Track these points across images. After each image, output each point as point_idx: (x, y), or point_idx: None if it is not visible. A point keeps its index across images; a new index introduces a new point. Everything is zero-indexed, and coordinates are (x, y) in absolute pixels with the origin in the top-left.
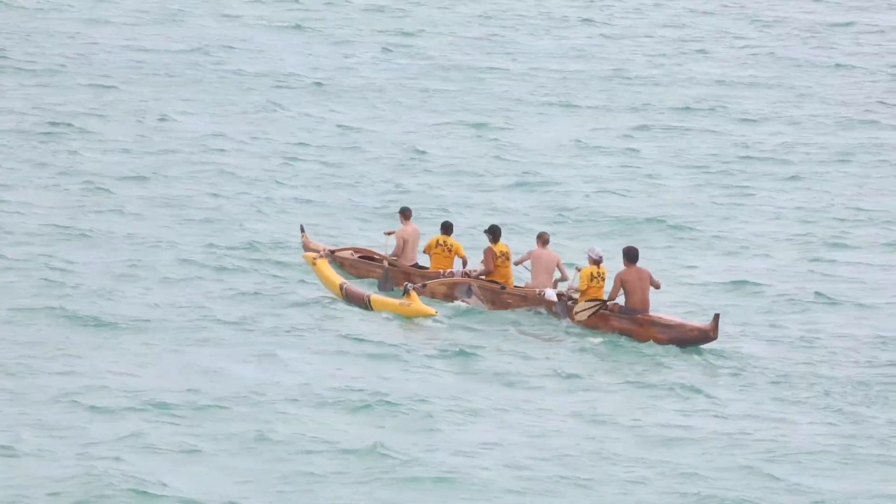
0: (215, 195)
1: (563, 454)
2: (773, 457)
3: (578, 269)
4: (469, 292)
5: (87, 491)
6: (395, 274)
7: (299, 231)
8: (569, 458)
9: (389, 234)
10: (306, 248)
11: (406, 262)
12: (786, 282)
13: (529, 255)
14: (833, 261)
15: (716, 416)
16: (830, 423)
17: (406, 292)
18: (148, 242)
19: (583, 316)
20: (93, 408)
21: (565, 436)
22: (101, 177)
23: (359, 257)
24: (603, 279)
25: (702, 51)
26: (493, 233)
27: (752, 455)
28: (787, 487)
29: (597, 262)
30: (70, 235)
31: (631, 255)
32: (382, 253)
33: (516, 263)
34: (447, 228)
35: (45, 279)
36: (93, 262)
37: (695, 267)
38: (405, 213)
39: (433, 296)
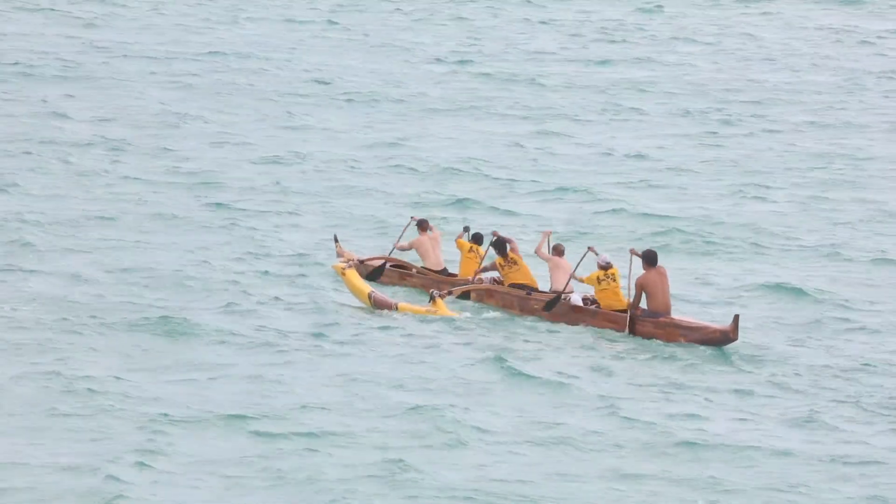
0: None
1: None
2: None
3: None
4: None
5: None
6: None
7: (333, 241)
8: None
9: (404, 248)
10: (340, 256)
11: (433, 268)
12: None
13: (549, 260)
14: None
15: (746, 420)
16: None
17: (432, 299)
18: (191, 249)
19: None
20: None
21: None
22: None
23: (390, 266)
24: (615, 279)
25: (768, 59)
26: (497, 246)
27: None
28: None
29: (604, 267)
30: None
31: (650, 259)
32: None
33: (536, 251)
34: (477, 239)
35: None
36: (143, 268)
37: (755, 271)
38: (422, 226)
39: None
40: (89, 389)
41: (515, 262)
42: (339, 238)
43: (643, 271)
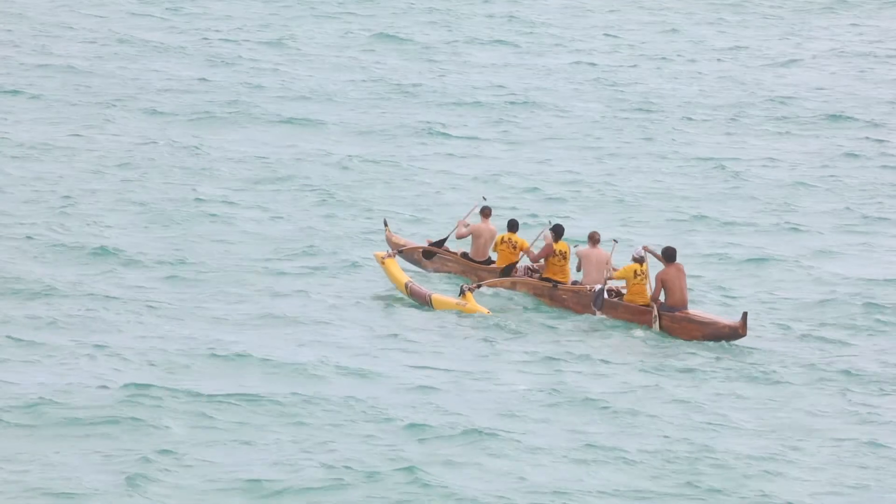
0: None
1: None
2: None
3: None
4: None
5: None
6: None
7: (383, 225)
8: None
9: (462, 234)
10: (389, 242)
11: (478, 258)
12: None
13: (579, 254)
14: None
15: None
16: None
17: (462, 293)
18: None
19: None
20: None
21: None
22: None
23: (430, 245)
24: (646, 276)
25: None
26: (556, 231)
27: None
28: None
29: (639, 260)
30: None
31: (669, 255)
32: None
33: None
34: (513, 226)
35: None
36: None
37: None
38: (484, 213)
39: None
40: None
41: (565, 258)
42: (388, 222)
43: (663, 267)
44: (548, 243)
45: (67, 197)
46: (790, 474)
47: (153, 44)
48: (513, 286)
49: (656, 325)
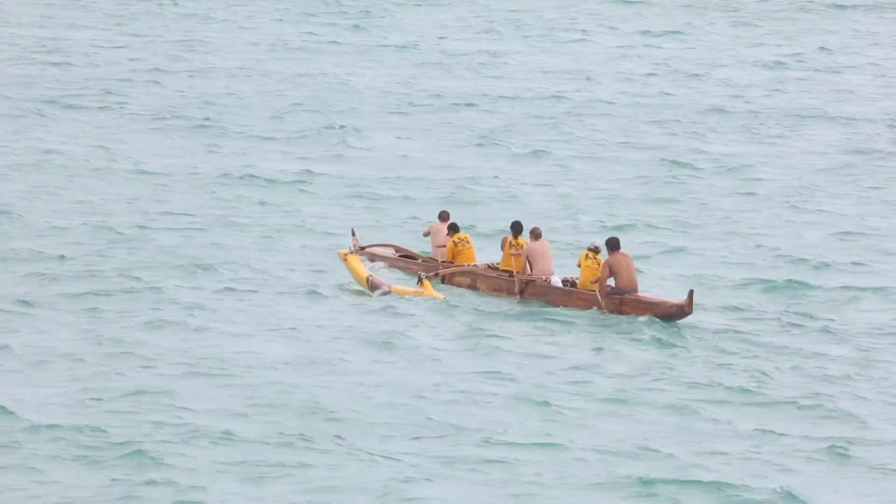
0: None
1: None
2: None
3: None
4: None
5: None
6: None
7: (350, 234)
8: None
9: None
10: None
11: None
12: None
13: (524, 251)
14: None
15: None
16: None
17: (419, 281)
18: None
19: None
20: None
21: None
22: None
23: (399, 256)
24: (598, 262)
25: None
26: (514, 228)
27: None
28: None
29: (594, 249)
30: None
31: (613, 244)
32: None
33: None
34: (454, 228)
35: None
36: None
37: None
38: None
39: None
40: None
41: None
42: (355, 232)
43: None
44: (503, 241)
45: None
46: (725, 449)
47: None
48: (470, 277)
49: (604, 308)
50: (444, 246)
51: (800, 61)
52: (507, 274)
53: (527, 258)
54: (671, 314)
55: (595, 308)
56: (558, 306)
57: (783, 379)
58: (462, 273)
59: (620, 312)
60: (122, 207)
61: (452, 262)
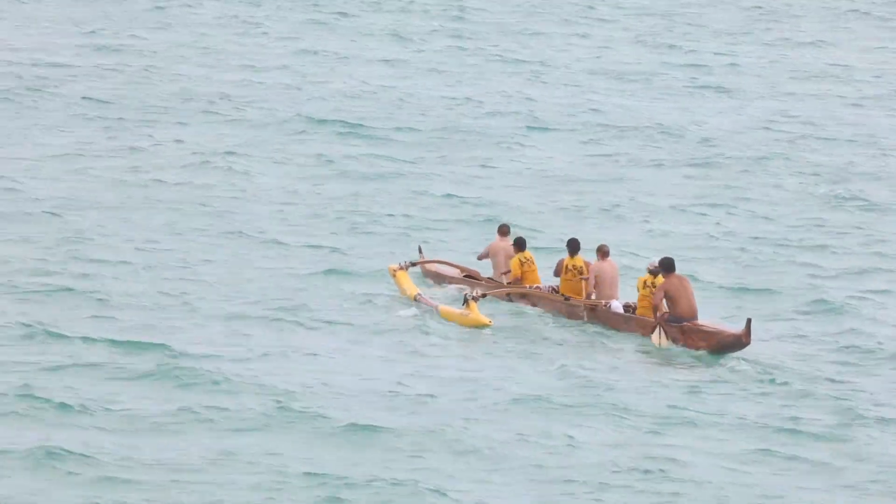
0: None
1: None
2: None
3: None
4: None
5: None
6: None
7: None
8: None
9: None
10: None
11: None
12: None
13: (589, 269)
14: None
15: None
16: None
17: (465, 302)
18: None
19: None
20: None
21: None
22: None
23: (463, 276)
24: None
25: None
26: (571, 246)
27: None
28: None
29: (654, 273)
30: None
31: (667, 265)
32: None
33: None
34: (521, 244)
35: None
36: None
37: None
38: (501, 231)
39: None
40: None
41: (579, 273)
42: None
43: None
44: (559, 263)
45: None
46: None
47: None
48: (521, 297)
49: (662, 338)
50: (508, 271)
51: None
52: (564, 298)
53: (595, 278)
54: (727, 345)
55: (651, 337)
56: (617, 329)
57: None
58: (522, 295)
59: (679, 342)
60: None
61: (520, 281)
